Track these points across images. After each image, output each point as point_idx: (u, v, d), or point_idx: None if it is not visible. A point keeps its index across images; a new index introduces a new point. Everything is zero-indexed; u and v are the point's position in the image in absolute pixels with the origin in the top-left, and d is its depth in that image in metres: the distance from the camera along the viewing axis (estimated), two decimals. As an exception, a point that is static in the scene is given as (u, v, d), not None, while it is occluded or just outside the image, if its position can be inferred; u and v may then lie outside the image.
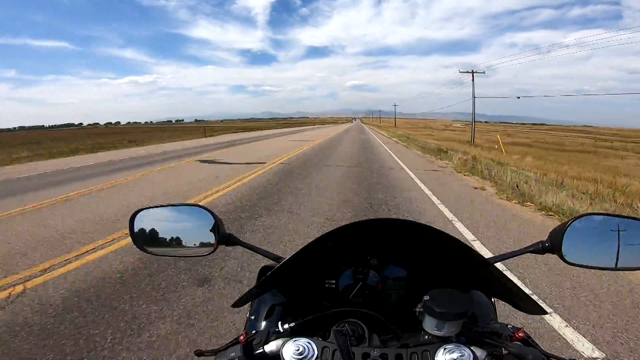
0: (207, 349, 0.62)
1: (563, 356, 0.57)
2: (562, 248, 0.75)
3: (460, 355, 0.54)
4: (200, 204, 0.82)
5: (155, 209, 0.85)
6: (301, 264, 0.77)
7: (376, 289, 0.80)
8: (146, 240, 0.82)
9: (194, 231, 0.82)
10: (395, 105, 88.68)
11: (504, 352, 0.56)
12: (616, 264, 0.77)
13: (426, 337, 0.60)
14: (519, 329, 0.61)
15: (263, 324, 0.77)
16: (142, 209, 0.84)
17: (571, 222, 0.75)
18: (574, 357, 0.57)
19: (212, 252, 0.79)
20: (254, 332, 0.65)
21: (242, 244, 0.82)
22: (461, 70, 28.62)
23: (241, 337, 0.61)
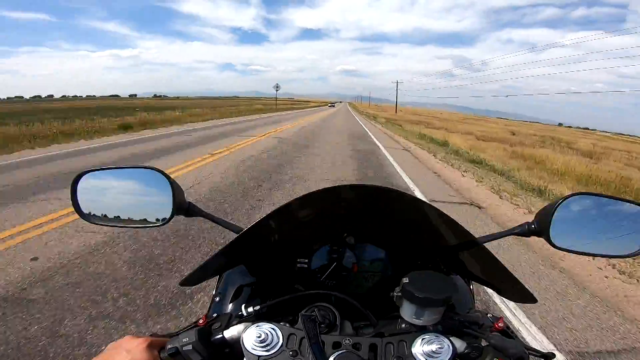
0: (162, 333, 0.57)
1: (541, 349, 0.55)
2: (550, 231, 0.69)
3: (439, 347, 0.50)
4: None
5: (103, 171, 0.75)
6: (269, 238, 0.70)
7: (352, 270, 0.75)
8: (91, 207, 0.73)
9: (147, 198, 0.74)
10: (396, 82, 63.49)
11: (484, 343, 0.52)
12: (610, 249, 0.74)
13: (403, 325, 0.55)
14: (498, 319, 0.57)
15: (229, 306, 0.70)
16: (87, 172, 0.73)
17: (560, 203, 0.69)
18: (552, 352, 0.56)
19: (165, 223, 0.71)
20: (214, 315, 0.60)
21: (204, 214, 0.74)
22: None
23: (200, 321, 0.56)
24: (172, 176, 0.70)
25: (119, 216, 0.73)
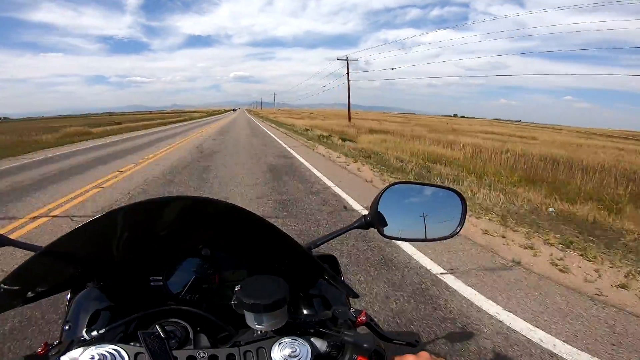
0: None
1: (404, 339, 0.57)
2: (380, 221, 0.75)
3: (292, 351, 0.51)
4: None
5: None
6: (108, 256, 0.66)
7: (213, 282, 0.73)
8: None
9: None
10: (346, 59, 29.08)
11: (342, 340, 0.54)
12: (430, 234, 0.78)
13: (259, 332, 0.55)
14: (360, 312, 0.61)
15: (84, 334, 0.63)
16: None
17: (381, 194, 0.76)
18: (416, 339, 0.58)
19: None
20: (55, 342, 0.56)
21: (16, 243, 0.73)
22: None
23: (39, 349, 0.53)
24: None
25: None
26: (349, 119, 27.55)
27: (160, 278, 0.71)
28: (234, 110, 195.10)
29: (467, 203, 0.83)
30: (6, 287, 0.58)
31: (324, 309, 0.68)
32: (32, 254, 0.58)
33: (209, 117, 57.95)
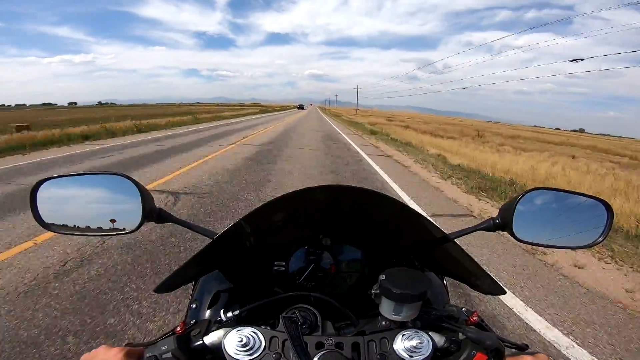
0: (139, 342, 0.56)
1: (516, 341, 0.57)
2: (513, 224, 0.73)
3: (420, 342, 0.52)
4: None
5: (65, 178, 0.72)
6: (244, 242, 0.71)
7: (329, 271, 0.76)
8: (52, 215, 0.70)
9: (114, 205, 0.71)
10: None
11: (462, 337, 0.54)
12: (568, 241, 0.77)
13: (383, 322, 0.57)
14: (472, 312, 0.60)
15: (207, 312, 0.70)
16: (47, 179, 0.70)
17: (521, 197, 0.73)
18: (526, 343, 0.56)
19: (134, 231, 0.69)
20: (192, 322, 0.59)
21: (176, 220, 0.74)
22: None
23: (178, 328, 0.55)
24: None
25: (83, 224, 0.69)
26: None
27: (284, 263, 0.74)
28: (300, 107, 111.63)
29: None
30: (186, 268, 0.62)
31: (426, 305, 0.69)
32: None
33: (247, 119, 30.86)
